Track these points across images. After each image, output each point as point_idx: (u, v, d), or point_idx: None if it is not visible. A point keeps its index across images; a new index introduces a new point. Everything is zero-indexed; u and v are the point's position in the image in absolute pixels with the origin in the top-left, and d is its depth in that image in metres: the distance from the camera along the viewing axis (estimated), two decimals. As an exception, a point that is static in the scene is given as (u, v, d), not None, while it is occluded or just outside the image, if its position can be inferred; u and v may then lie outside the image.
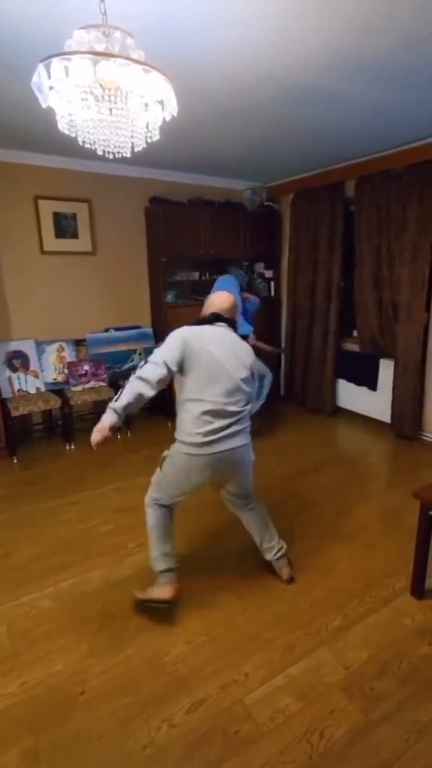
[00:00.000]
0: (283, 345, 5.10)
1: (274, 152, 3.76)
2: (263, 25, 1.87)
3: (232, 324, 2.07)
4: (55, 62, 1.43)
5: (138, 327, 4.50)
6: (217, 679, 1.72)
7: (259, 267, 5.03)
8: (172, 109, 1.68)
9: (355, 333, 4.42)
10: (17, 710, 1.60)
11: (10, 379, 3.72)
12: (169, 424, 4.43)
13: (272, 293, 5.10)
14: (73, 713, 1.59)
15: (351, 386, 4.48)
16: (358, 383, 4.40)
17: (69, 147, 3.25)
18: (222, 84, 2.43)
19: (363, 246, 4.03)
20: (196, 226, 4.35)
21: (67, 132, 1.63)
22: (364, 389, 4.34)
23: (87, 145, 1.69)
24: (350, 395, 4.52)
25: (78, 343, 4.14)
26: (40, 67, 1.45)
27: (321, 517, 2.81)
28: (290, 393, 5.13)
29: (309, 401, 4.80)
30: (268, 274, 5.08)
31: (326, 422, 4.52)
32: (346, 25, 1.86)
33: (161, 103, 1.66)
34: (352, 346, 4.51)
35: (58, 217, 3.91)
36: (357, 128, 3.13)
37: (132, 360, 4.34)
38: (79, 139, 1.66)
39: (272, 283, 5.11)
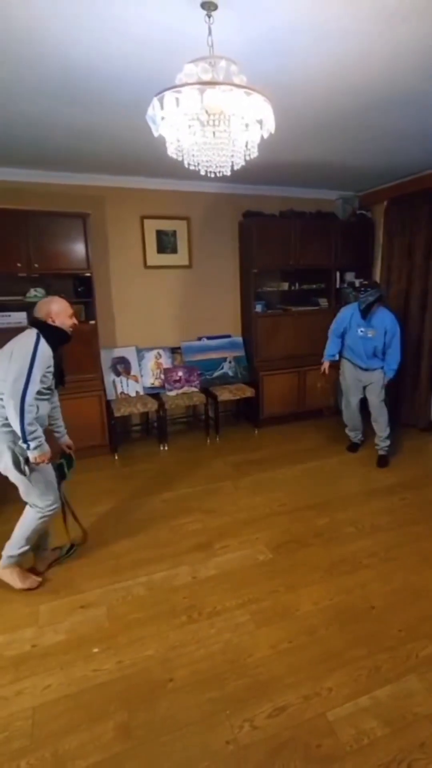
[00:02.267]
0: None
1: (366, 160, 3.69)
2: (353, 35, 1.88)
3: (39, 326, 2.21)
4: (168, 95, 1.58)
5: (228, 336, 4.64)
6: (299, 690, 1.72)
7: (350, 276, 4.90)
8: (270, 126, 1.75)
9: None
10: (114, 686, 1.74)
11: (114, 382, 4.07)
12: (256, 432, 4.49)
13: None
14: (162, 698, 1.69)
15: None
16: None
17: (171, 170, 3.50)
18: (311, 98, 2.47)
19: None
20: (286, 238, 4.39)
21: (174, 156, 1.78)
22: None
23: (191, 167, 1.82)
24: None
25: (174, 351, 4.39)
26: (155, 101, 1.61)
27: (406, 537, 2.66)
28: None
29: (400, 414, 4.54)
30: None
31: (418, 436, 4.24)
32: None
33: (260, 122, 1.73)
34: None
35: (160, 235, 4.22)
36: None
37: (222, 368, 4.48)
38: (185, 162, 1.80)
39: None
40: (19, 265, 3.49)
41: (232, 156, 1.81)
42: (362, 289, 3.46)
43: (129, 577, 2.36)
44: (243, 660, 1.85)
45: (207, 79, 1.60)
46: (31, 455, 2.10)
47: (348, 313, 3.61)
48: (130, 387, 4.14)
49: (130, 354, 4.19)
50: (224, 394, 4.23)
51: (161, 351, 4.32)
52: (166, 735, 1.56)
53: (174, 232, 4.27)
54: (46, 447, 2.17)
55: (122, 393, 4.10)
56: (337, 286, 4.76)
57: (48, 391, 2.26)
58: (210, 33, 1.68)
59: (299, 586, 2.27)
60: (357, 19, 1.77)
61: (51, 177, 3.76)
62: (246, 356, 4.60)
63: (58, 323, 2.24)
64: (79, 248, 3.67)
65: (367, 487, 3.29)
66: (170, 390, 4.18)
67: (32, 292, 3.64)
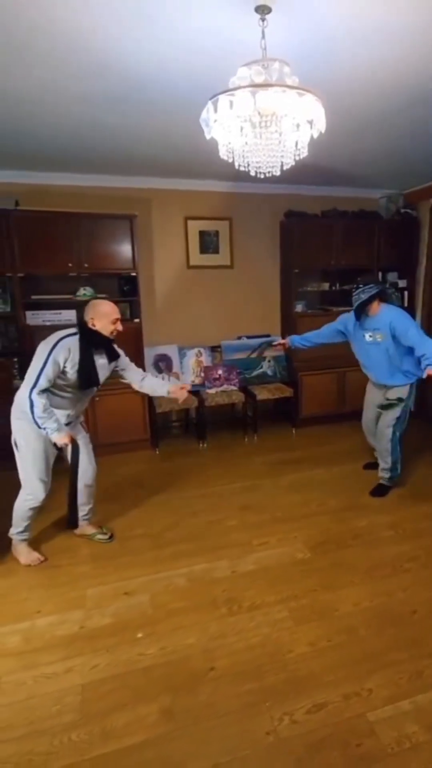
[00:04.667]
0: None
1: (411, 158, 3.63)
2: (401, 33, 1.89)
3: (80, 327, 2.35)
4: (222, 98, 1.62)
5: (267, 335, 4.65)
6: (339, 688, 1.72)
7: (393, 276, 4.80)
8: (320, 126, 1.77)
9: None
10: (158, 671, 1.81)
11: (155, 379, 4.18)
12: (293, 432, 4.47)
13: (406, 303, 4.84)
14: (204, 686, 1.74)
15: None
16: None
17: (214, 171, 3.56)
18: (356, 97, 2.48)
19: None
20: (328, 238, 4.37)
21: (226, 158, 1.82)
22: None
23: (242, 169, 1.86)
24: None
25: (214, 349, 4.46)
26: (209, 104, 1.66)
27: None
28: (421, 409, 4.77)
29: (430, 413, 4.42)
30: (402, 283, 4.83)
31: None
32: None
33: (310, 122, 1.75)
34: None
35: (202, 235, 4.31)
36: None
37: (261, 367, 4.50)
38: (236, 164, 1.84)
39: (406, 293, 4.87)
40: (70, 265, 3.65)
41: (282, 156, 1.84)
42: (356, 286, 2.90)
43: (170, 567, 2.43)
44: (282, 655, 1.87)
45: (260, 82, 1.63)
46: (54, 438, 2.23)
47: (347, 318, 3.08)
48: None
49: (171, 352, 4.29)
50: (263, 393, 4.25)
51: (202, 349, 4.39)
52: (207, 721, 1.60)
53: (216, 233, 4.33)
54: (65, 429, 2.29)
55: (163, 390, 4.19)
56: (380, 286, 4.66)
57: (71, 389, 2.34)
58: (263, 36, 1.72)
59: (338, 586, 2.27)
60: (413, 17, 1.76)
61: (101, 180, 3.90)
62: (285, 356, 4.59)
63: (98, 327, 2.32)
64: (125, 249, 3.80)
65: (409, 491, 3.22)
66: (210, 388, 4.24)
67: (81, 291, 3.79)
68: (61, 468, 2.52)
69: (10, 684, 1.76)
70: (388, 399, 3.04)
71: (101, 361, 2.40)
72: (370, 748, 1.51)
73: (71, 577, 2.38)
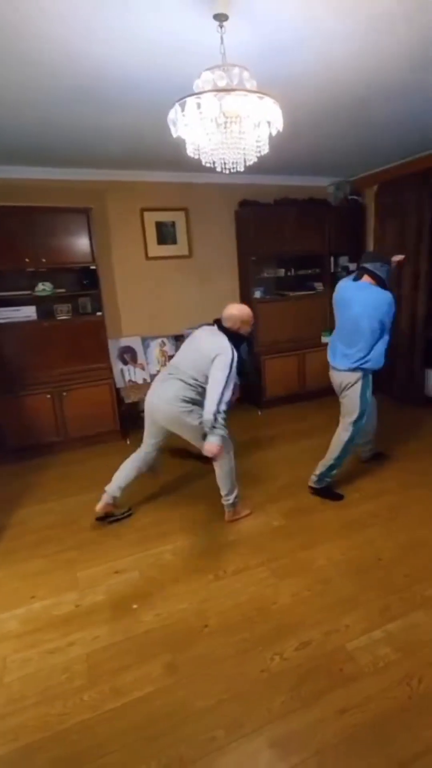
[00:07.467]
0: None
1: (360, 147, 3.84)
2: (348, 37, 2.06)
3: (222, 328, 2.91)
4: (189, 101, 1.74)
5: (228, 323, 4.81)
6: (320, 628, 1.95)
7: (343, 261, 5.11)
8: (278, 125, 1.94)
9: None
10: (156, 633, 1.96)
11: (122, 371, 4.25)
12: (259, 413, 4.70)
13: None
14: (200, 641, 1.91)
15: (442, 377, 4.40)
16: (449, 374, 4.26)
17: (169, 162, 3.64)
18: (310, 94, 2.65)
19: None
20: (281, 225, 4.57)
21: (192, 156, 1.95)
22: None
23: (208, 165, 2.00)
24: (441, 386, 4.44)
25: (177, 339, 4.56)
26: (176, 106, 1.77)
27: (409, 500, 2.91)
28: (376, 383, 5.14)
29: (396, 391, 4.80)
30: (353, 267, 5.13)
31: (413, 413, 4.48)
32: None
33: (269, 122, 1.92)
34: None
35: (159, 226, 4.37)
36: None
37: (224, 353, 4.66)
38: (203, 160, 1.97)
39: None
40: (27, 260, 3.62)
41: (245, 153, 1.99)
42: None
43: (156, 545, 2.56)
44: (268, 607, 2.08)
45: (222, 86, 1.77)
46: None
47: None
48: (137, 375, 4.31)
49: (135, 343, 4.36)
50: (227, 379, 4.42)
51: (165, 339, 4.49)
52: (207, 668, 1.78)
53: (173, 223, 4.42)
54: None
55: (130, 381, 4.27)
56: (332, 270, 4.96)
57: None
58: (222, 41, 1.85)
59: (312, 545, 2.50)
60: (355, 23, 1.95)
61: (53, 173, 3.87)
62: (247, 341, 4.78)
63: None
64: (83, 242, 3.80)
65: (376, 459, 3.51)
66: (176, 376, 4.35)
67: (40, 286, 3.77)
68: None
69: (16, 662, 1.85)
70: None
71: None
72: (350, 671, 1.75)
73: (60, 564, 2.46)
